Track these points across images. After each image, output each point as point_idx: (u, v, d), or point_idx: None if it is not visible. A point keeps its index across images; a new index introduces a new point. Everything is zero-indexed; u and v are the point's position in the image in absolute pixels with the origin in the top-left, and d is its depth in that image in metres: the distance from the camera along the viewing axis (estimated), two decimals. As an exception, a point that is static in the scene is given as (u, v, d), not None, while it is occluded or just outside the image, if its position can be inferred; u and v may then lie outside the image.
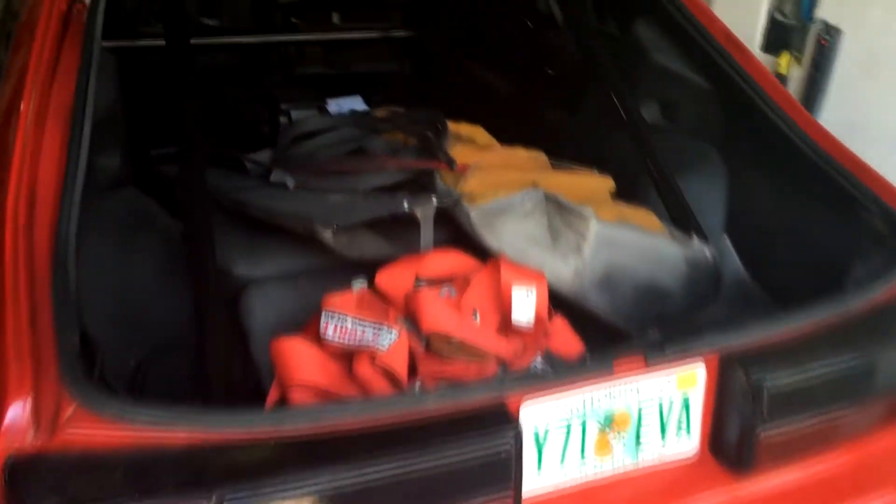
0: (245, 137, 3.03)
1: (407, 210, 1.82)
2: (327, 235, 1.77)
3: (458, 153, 2.17)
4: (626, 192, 2.14)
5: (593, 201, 2.03)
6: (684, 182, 2.14)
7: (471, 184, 1.95)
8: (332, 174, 2.14)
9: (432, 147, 2.12)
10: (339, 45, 4.04)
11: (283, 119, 3.04)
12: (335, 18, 4.11)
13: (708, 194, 2.20)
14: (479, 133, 2.55)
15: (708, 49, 2.18)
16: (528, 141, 3.19)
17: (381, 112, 2.63)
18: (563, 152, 2.79)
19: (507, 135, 3.06)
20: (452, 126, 2.51)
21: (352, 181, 2.11)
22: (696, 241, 1.91)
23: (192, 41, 2.66)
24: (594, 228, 1.77)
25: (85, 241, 1.44)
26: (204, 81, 2.80)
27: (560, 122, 2.98)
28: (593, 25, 2.79)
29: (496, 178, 1.97)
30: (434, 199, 1.86)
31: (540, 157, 2.26)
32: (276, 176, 2.16)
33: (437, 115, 2.38)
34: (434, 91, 3.99)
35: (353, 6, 4.05)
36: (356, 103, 4.49)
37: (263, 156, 2.38)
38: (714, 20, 2.25)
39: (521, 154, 2.23)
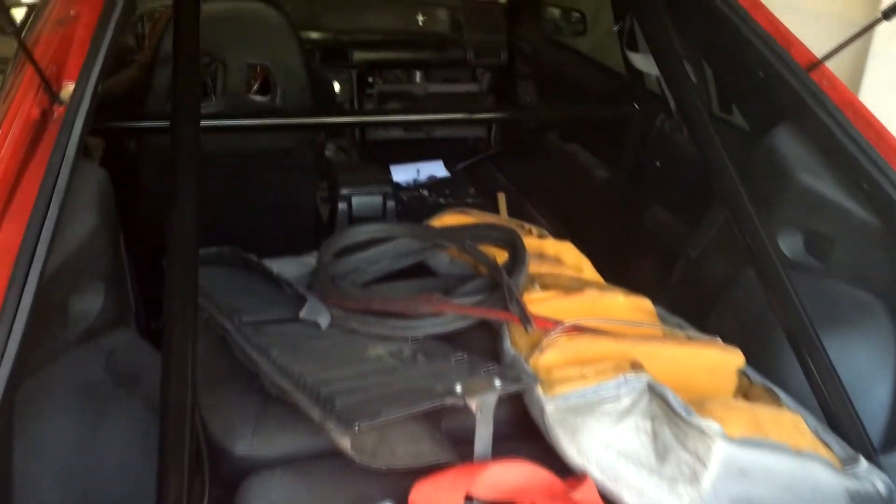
0: (298, 225, 2.63)
1: (460, 400, 1.34)
2: (345, 443, 1.31)
3: (537, 292, 1.69)
4: (755, 356, 1.61)
5: (717, 386, 1.52)
6: (840, 344, 1.60)
7: (549, 357, 1.46)
8: (377, 313, 1.70)
9: (505, 289, 1.64)
10: (420, 110, 3.63)
11: (342, 205, 2.63)
12: (417, 77, 3.71)
13: (873, 364, 1.66)
14: (567, 252, 2.06)
15: (873, 173, 1.64)
16: (623, 244, 2.75)
17: (447, 217, 2.17)
18: (668, 270, 2.31)
19: (599, 232, 2.57)
20: (533, 242, 2.04)
21: (401, 325, 1.66)
22: (863, 464, 1.36)
23: (242, 122, 2.26)
24: (720, 451, 1.25)
25: (34, 418, 1.13)
26: (246, 165, 2.42)
27: (665, 227, 2.46)
28: (716, 114, 2.27)
29: (583, 350, 1.48)
30: (497, 384, 1.38)
31: (644, 304, 1.75)
32: (307, 312, 1.72)
33: (514, 236, 1.90)
34: (523, 167, 3.54)
35: (439, 66, 3.63)
36: (437, 169, 4.11)
37: (305, 264, 1.96)
38: (883, 134, 1.70)
39: (619, 301, 1.72)
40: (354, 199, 2.62)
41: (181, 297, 1.38)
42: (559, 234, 3.12)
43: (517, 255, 1.83)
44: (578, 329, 1.54)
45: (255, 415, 1.50)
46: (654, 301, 2.06)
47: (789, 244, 1.86)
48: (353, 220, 2.62)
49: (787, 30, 1.88)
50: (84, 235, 1.41)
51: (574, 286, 1.76)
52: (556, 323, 1.55)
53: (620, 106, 2.60)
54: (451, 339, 1.67)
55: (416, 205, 3.52)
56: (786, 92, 1.78)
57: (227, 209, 2.45)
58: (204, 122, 2.25)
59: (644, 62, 2.41)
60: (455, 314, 1.66)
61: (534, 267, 1.98)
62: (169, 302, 1.38)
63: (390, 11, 3.56)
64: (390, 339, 1.64)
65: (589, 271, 2.06)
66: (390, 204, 2.66)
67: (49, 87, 1.37)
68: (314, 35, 3.42)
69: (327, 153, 3.45)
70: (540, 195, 3.35)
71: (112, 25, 1.50)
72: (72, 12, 1.54)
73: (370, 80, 3.55)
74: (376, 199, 2.64)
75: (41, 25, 1.56)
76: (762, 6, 1.92)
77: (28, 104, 1.38)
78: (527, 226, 2.31)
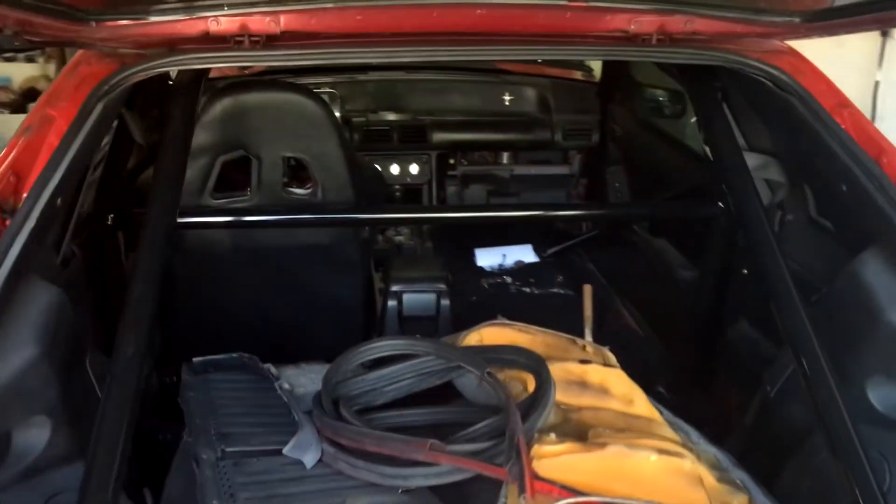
0: (345, 325, 2.46)
1: None
2: None
3: (551, 443, 1.43)
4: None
5: None
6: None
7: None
8: (370, 454, 1.49)
9: (508, 441, 1.39)
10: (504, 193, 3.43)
11: (392, 303, 2.44)
12: (504, 158, 3.51)
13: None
14: (615, 381, 1.79)
15: None
16: (703, 358, 2.40)
17: (486, 331, 1.94)
18: (748, 400, 1.98)
19: (681, 340, 2.25)
20: (575, 370, 1.77)
21: (390, 474, 1.44)
22: None
23: (271, 218, 2.13)
24: None
25: None
26: (286, 262, 2.28)
27: (749, 347, 2.13)
28: (812, 217, 1.93)
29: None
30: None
31: (681, 466, 1.44)
32: (293, 448, 1.53)
33: (541, 365, 1.65)
34: (613, 257, 3.25)
35: (524, 147, 3.42)
36: (525, 254, 3.86)
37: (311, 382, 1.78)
38: None
39: (649, 463, 1.43)
40: (406, 297, 2.42)
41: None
42: (646, 338, 2.87)
43: (540, 391, 1.57)
44: (583, 507, 1.26)
45: None
46: (724, 441, 1.76)
47: (881, 396, 1.51)
48: (404, 319, 2.43)
49: (878, 133, 1.56)
50: (20, 364, 1.27)
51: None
52: (562, 492, 1.29)
53: (705, 205, 2.30)
54: (450, 488, 1.44)
55: (491, 294, 3.30)
56: (872, 211, 1.46)
57: (270, 308, 2.32)
58: (235, 219, 2.15)
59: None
60: (451, 465, 1.42)
61: (573, 398, 1.74)
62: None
63: (475, 91, 3.40)
64: (379, 488, 1.43)
65: (641, 404, 1.77)
66: (444, 303, 2.44)
67: None
68: (390, 116, 3.30)
69: (398, 237, 3.31)
70: (628, 289, 3.05)
71: (84, 133, 1.38)
72: (50, 112, 1.44)
73: (451, 161, 3.39)
74: (429, 297, 2.43)
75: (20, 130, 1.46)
76: (850, 105, 1.61)
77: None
78: (580, 342, 2.05)
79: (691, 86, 2.10)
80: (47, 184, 1.30)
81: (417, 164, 3.32)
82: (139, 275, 1.46)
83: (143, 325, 1.39)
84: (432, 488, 1.47)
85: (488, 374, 1.65)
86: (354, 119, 3.27)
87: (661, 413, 1.87)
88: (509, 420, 1.46)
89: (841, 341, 1.52)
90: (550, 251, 3.62)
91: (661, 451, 1.44)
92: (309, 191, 2.20)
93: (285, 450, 1.53)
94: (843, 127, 1.56)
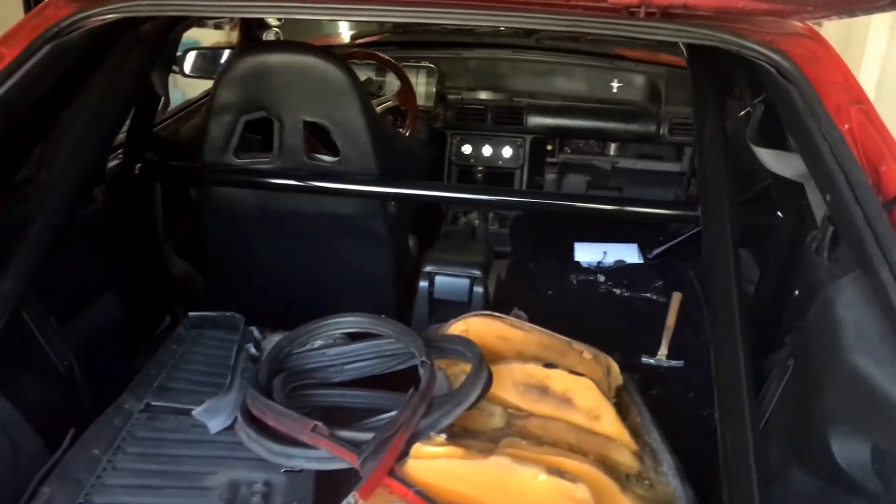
0: (372, 299, 2.40)
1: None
2: None
3: (436, 443, 1.31)
4: None
5: None
6: None
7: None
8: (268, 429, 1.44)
9: (375, 433, 1.29)
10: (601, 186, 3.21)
11: (423, 283, 2.34)
12: (612, 149, 3.29)
13: None
14: (582, 392, 1.64)
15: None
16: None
17: (473, 321, 1.81)
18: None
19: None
20: (536, 373, 1.63)
21: (276, 451, 1.39)
22: None
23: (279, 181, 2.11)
24: None
25: None
26: (310, 228, 2.24)
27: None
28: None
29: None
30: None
31: (575, 492, 1.27)
32: (202, 411, 1.51)
33: (478, 361, 1.52)
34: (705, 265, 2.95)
35: (626, 139, 3.19)
36: (628, 253, 3.59)
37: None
38: None
39: (537, 483, 1.26)
40: (438, 279, 2.33)
41: None
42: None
43: (461, 389, 1.45)
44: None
45: None
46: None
47: (845, 452, 1.25)
48: (435, 301, 2.34)
49: (889, 138, 1.28)
50: None
51: (512, 443, 1.34)
52: (415, 498, 1.17)
53: (765, 212, 2.02)
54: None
55: (573, 290, 3.11)
56: (853, 232, 1.21)
57: (297, 273, 2.32)
58: (246, 178, 2.15)
59: (773, 160, 1.83)
60: (333, 454, 1.34)
61: (529, 404, 1.61)
62: None
63: (582, 75, 3.21)
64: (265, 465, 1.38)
65: (607, 421, 1.60)
66: (478, 290, 2.33)
67: None
68: (487, 96, 3.19)
69: (463, 219, 3.20)
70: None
71: (22, 73, 1.42)
72: (1, 50, 1.49)
73: (549, 147, 3.22)
74: (462, 283, 2.33)
75: None
76: (864, 101, 1.33)
77: None
78: (578, 347, 1.88)
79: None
80: None
81: (511, 147, 3.19)
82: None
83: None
84: (320, 474, 1.39)
85: (423, 363, 1.55)
86: (450, 96, 3.19)
87: (647, 435, 1.68)
88: (401, 412, 1.36)
89: (807, 380, 1.27)
90: (655, 251, 3.36)
91: (554, 472, 1.27)
92: (335, 159, 2.16)
93: (195, 412, 1.52)
94: (845, 127, 1.29)
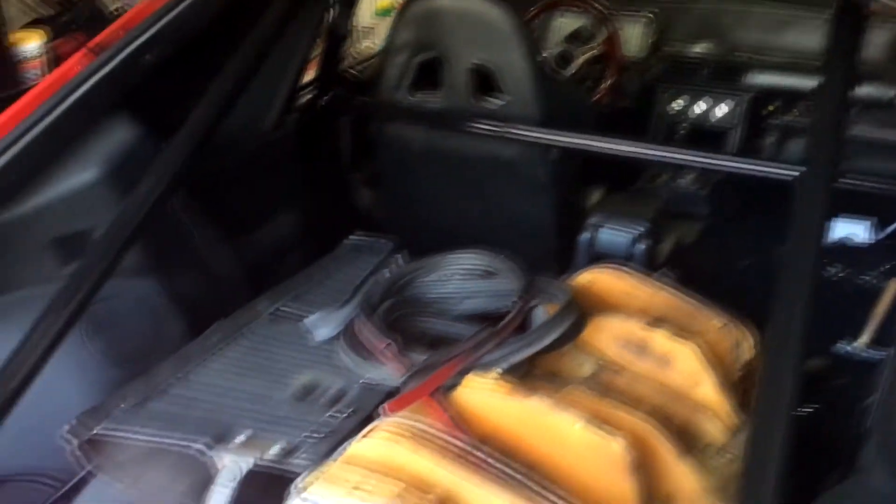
0: (532, 247, 2.41)
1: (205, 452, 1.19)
2: None
3: (490, 376, 1.33)
4: None
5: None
6: None
7: (360, 447, 1.15)
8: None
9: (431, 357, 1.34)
10: None
11: (585, 235, 2.30)
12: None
13: None
14: (684, 357, 1.55)
15: None
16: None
17: (598, 273, 1.77)
18: None
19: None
20: (638, 332, 1.57)
21: (354, 365, 1.49)
22: None
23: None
24: None
25: None
26: (469, 170, 2.29)
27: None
28: None
29: (399, 459, 1.13)
30: (271, 453, 1.17)
31: (612, 449, 1.22)
32: (313, 322, 1.64)
33: (569, 305, 1.51)
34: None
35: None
36: (858, 230, 3.21)
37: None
38: None
39: (573, 433, 1.23)
40: (600, 231, 2.29)
41: None
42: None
43: (536, 330, 1.45)
44: (423, 434, 1.18)
45: None
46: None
47: None
48: (596, 254, 2.31)
49: None
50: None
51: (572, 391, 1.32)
52: (448, 422, 1.22)
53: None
54: None
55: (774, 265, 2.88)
56: None
57: (461, 214, 2.39)
58: (416, 116, 2.23)
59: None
60: (398, 368, 1.41)
61: (624, 360, 1.56)
62: None
63: (815, 31, 2.90)
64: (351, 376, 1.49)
65: (707, 389, 1.52)
66: (640, 247, 2.26)
67: None
68: (700, 48, 2.99)
69: (681, 181, 3.04)
70: None
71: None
72: None
73: (770, 108, 2.97)
74: (624, 237, 2.27)
75: None
76: None
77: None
78: (711, 312, 1.77)
79: None
80: (134, 40, 1.56)
81: (727, 105, 2.99)
82: None
83: None
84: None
85: (514, 302, 1.57)
86: (665, 48, 3.05)
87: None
88: (464, 342, 1.39)
89: None
90: (887, 231, 3.00)
91: (593, 423, 1.24)
92: (502, 103, 2.19)
93: (306, 320, 1.65)
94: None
